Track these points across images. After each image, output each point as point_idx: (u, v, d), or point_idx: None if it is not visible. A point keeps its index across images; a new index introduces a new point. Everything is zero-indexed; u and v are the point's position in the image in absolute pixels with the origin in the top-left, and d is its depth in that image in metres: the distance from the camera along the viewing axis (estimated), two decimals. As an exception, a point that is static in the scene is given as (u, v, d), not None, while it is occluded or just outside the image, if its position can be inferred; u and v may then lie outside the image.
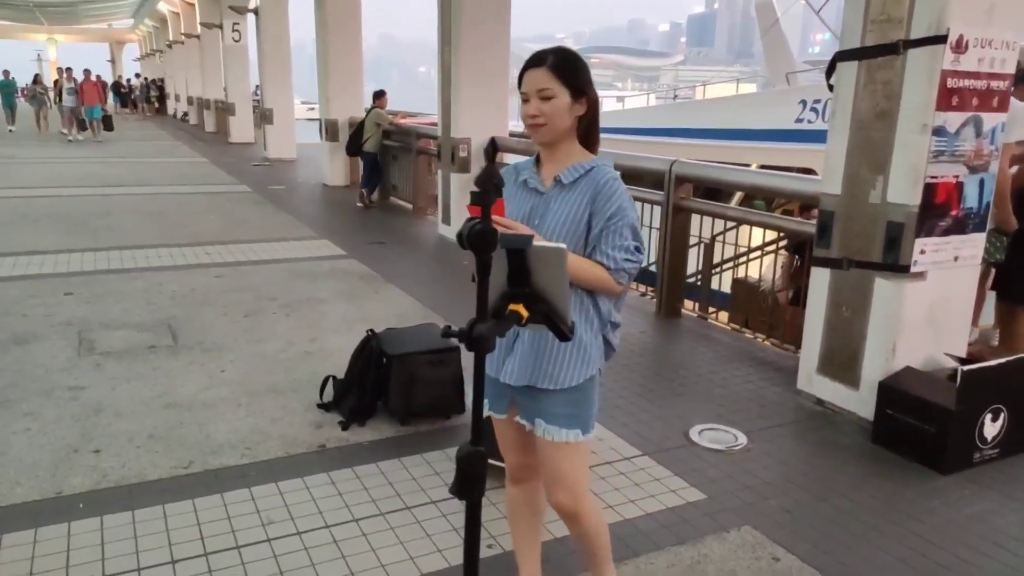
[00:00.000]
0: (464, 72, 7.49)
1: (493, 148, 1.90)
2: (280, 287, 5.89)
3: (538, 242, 1.34)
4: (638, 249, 1.85)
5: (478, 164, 7.81)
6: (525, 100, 1.87)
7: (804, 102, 11.15)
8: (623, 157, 7.28)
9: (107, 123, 20.57)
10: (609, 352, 2.01)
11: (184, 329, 4.84)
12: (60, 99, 21.32)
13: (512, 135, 8.24)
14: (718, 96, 18.51)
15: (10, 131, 20.95)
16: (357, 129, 10.28)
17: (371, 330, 3.79)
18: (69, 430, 3.41)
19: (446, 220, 8.06)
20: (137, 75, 40.67)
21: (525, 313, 1.33)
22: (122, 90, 34.97)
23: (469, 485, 1.29)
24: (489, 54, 7.58)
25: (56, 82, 24.28)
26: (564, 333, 1.40)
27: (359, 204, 10.02)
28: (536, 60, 1.88)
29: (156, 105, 33.05)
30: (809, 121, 10.79)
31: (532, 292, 1.34)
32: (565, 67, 1.85)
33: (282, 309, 5.32)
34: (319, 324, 5.02)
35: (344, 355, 3.85)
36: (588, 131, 1.94)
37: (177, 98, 31.37)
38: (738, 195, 8.09)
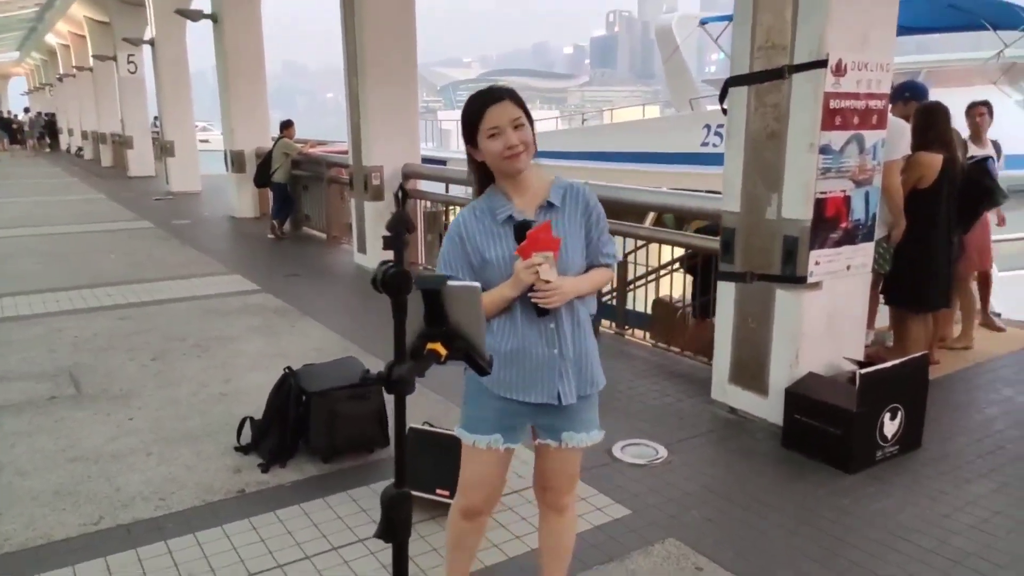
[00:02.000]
0: (373, 100, 7.48)
1: (403, 193, 1.91)
2: (190, 326, 5.69)
3: (452, 282, 1.37)
4: None
5: (391, 191, 7.80)
6: (495, 135, 1.90)
7: (708, 126, 11.69)
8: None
9: None
10: None
11: (87, 377, 4.61)
12: None
13: (425, 161, 8.26)
14: (626, 120, 19.12)
15: None
16: (265, 159, 10.08)
17: (288, 367, 3.71)
18: (-37, 494, 3.19)
19: (361, 249, 7.99)
20: (26, 109, 38.60)
21: (444, 351, 1.35)
22: (13, 126, 33.04)
23: (395, 528, 1.29)
24: (397, 80, 7.60)
25: None
26: (483, 368, 1.43)
27: (270, 236, 9.81)
28: (495, 95, 1.93)
29: (48, 140, 31.41)
30: (714, 145, 11.30)
31: (449, 330, 1.36)
32: (518, 98, 1.95)
33: (193, 349, 5.14)
34: (233, 363, 4.87)
35: (261, 394, 3.76)
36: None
37: (70, 132, 29.93)
38: (651, 215, 8.35)
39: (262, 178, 10.10)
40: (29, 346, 5.21)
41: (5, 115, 35.94)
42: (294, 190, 10.13)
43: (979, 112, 5.33)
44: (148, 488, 3.26)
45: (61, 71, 28.69)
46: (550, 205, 1.98)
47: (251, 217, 11.48)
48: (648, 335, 5.65)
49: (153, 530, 2.93)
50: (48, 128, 31.82)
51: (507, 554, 2.78)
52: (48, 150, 30.64)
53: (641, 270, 5.88)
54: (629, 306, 5.79)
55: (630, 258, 5.77)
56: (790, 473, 3.43)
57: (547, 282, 1.88)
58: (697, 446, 3.72)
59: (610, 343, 5.40)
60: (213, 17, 11.28)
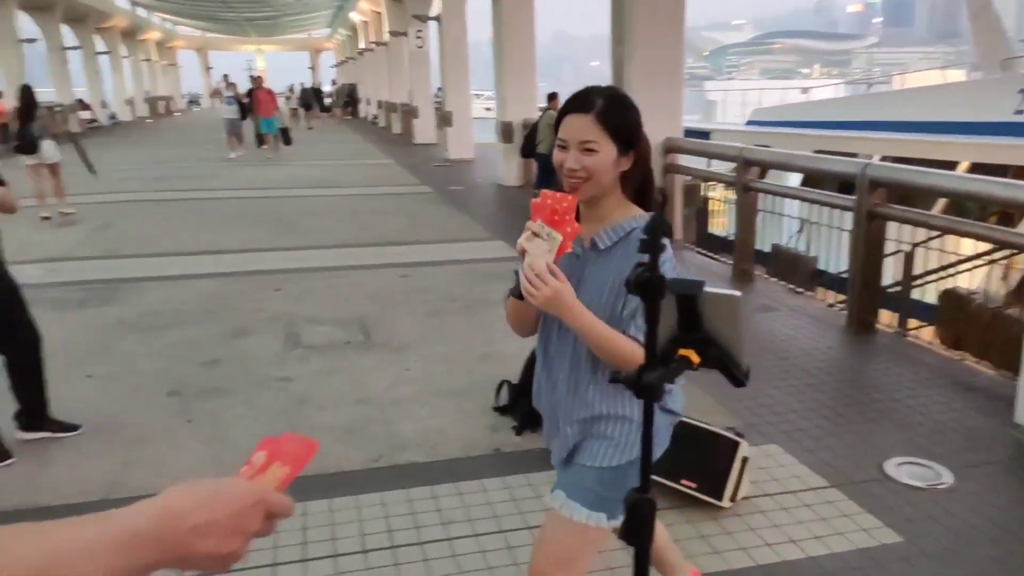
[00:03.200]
0: (636, 70, 7.40)
1: (663, 196, 1.78)
2: (459, 288, 6.15)
3: (709, 288, 1.31)
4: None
5: (653, 165, 7.70)
6: (562, 147, 1.63)
7: (1024, 92, 9.95)
8: (805, 158, 6.89)
9: (285, 136, 17.79)
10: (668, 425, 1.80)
11: (375, 327, 5.20)
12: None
13: (688, 133, 8.02)
14: (920, 85, 16.94)
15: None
16: (531, 131, 10.48)
17: (547, 338, 3.86)
18: (278, 420, 3.79)
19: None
20: (333, 81, 43.98)
21: (696, 358, 1.30)
22: (323, 97, 37.78)
23: (638, 533, 1.29)
24: (662, 48, 7.43)
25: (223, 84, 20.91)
26: (739, 379, 1.36)
27: (533, 204, 10.21)
28: (581, 103, 1.61)
29: (350, 109, 35.49)
30: (1032, 113, 9.61)
31: (704, 337, 1.30)
32: (614, 115, 1.60)
33: (462, 311, 5.56)
34: (495, 327, 5.18)
35: (519, 359, 3.95)
36: (642, 187, 1.71)
37: (368, 102, 33.57)
38: (940, 202, 7.38)
39: (528, 149, 10.52)
40: (330, 295, 6.00)
41: (317, 87, 41.17)
42: (558, 161, 10.42)
43: None
44: (420, 435, 3.62)
45: (362, 45, 32.20)
46: (596, 246, 1.66)
47: (516, 186, 12.07)
48: (934, 331, 5.03)
49: (422, 474, 3.25)
50: (350, 98, 35.88)
51: (755, 560, 2.67)
52: (349, 118, 34.66)
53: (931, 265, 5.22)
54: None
55: (919, 250, 5.15)
56: (1115, 524, 2.87)
57: (532, 267, 1.51)
58: (990, 474, 3.25)
59: (888, 344, 4.89)
60: (494, -9, 11.88)
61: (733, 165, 6.78)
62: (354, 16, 32.32)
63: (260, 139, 17.18)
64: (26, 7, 24.50)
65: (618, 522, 1.58)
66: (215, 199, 11.11)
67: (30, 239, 7.85)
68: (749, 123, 17.19)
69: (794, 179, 8.50)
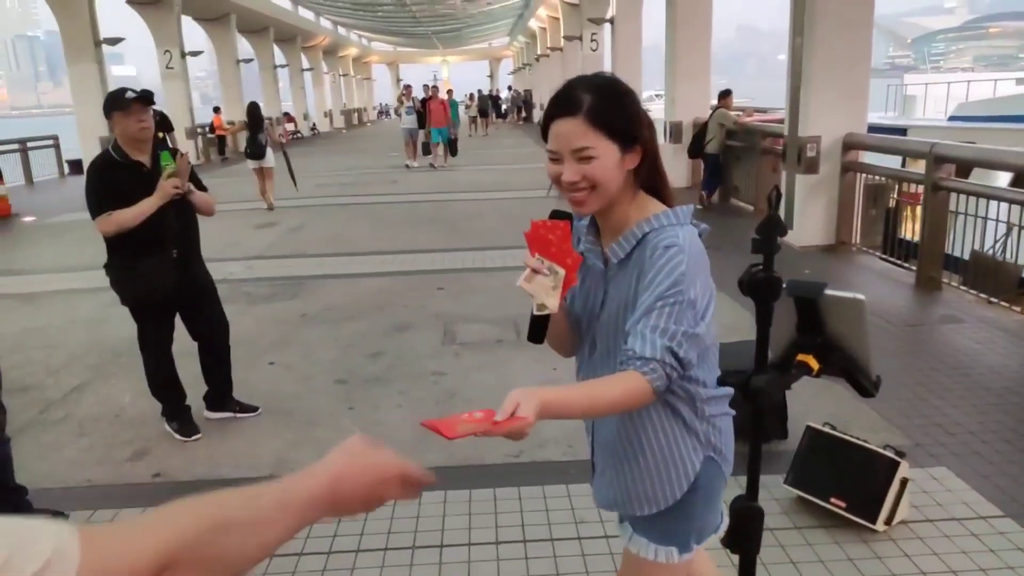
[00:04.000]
0: (817, 61, 7.00)
1: (777, 194, 1.60)
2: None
3: (831, 291, 1.23)
4: (691, 338, 1.30)
5: (828, 163, 7.25)
6: (554, 160, 1.41)
7: None
8: (1008, 154, 6.16)
9: (453, 148, 17.56)
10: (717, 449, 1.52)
11: (525, 326, 5.31)
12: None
13: (879, 130, 7.43)
14: None
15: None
16: (700, 130, 10.21)
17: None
18: (430, 411, 4.00)
19: (789, 224, 7.61)
20: (509, 87, 45.29)
21: (816, 365, 1.24)
22: (499, 103, 38.97)
23: (742, 540, 1.25)
24: (847, 37, 6.95)
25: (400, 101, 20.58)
26: (867, 388, 1.27)
27: (699, 206, 9.95)
28: (566, 105, 1.37)
29: (524, 115, 36.39)
30: None
31: (826, 341, 1.23)
32: (607, 111, 1.35)
33: (614, 313, 5.54)
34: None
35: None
36: (650, 179, 1.46)
37: (542, 107, 34.23)
38: None
39: (696, 148, 10.27)
40: (486, 295, 6.22)
41: (494, 94, 42.58)
42: (726, 161, 10.08)
43: None
44: (560, 433, 3.66)
45: (539, 52, 32.90)
46: (607, 261, 1.47)
47: (683, 187, 11.79)
48: None
49: (559, 472, 3.30)
50: (524, 103, 36.76)
51: (908, 589, 2.46)
52: (523, 123, 35.52)
53: None
54: None
55: None
56: None
57: (542, 305, 1.35)
58: None
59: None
60: (667, -9, 11.69)
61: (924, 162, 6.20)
62: (533, 24, 33.11)
63: (426, 148, 17.07)
64: (243, 30, 27.51)
65: (691, 554, 1.51)
66: (392, 203, 11.86)
67: (233, 238, 8.83)
68: (952, 118, 15.61)
69: (1003, 179, 7.62)
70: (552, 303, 1.35)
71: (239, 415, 4.01)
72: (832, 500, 2.82)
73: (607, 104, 1.35)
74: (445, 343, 5.08)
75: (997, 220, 5.76)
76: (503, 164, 17.36)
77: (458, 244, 8.29)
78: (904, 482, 2.75)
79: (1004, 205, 5.71)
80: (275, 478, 0.82)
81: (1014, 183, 7.25)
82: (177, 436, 3.79)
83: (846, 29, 6.96)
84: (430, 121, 16.69)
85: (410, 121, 17.08)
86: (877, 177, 7.21)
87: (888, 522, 2.73)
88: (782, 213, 7.80)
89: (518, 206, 11.01)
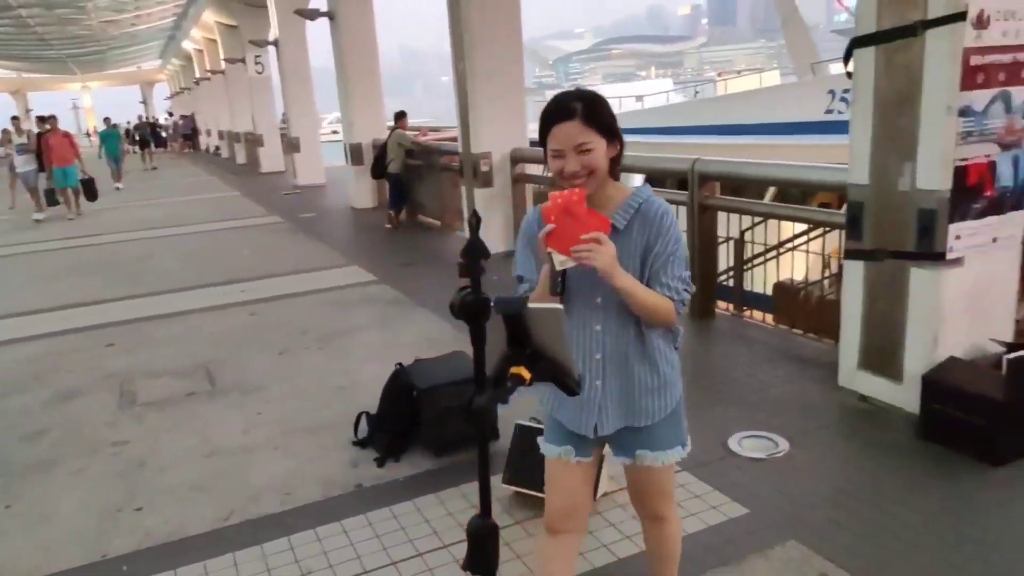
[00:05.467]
0: (479, 84, 7.49)
1: (477, 219, 1.75)
2: (312, 320, 5.94)
3: (532, 304, 1.31)
4: (692, 279, 1.85)
5: (500, 176, 7.81)
6: (558, 156, 1.76)
7: (833, 92, 10.88)
8: (643, 159, 7.18)
9: (88, 190, 13.54)
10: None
11: (221, 372, 4.91)
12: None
13: (533, 144, 8.15)
14: (742, 90, 18.26)
15: (117, 189, 17.60)
16: (380, 151, 10.35)
17: (399, 363, 3.79)
18: (114, 488, 3.48)
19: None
20: (169, 113, 41.72)
21: (528, 375, 1.30)
22: (157, 130, 35.70)
23: (482, 561, 1.27)
24: (503, 61, 7.56)
25: (4, 132, 15.90)
26: (571, 388, 1.37)
27: (387, 225, 10.09)
28: (564, 111, 1.76)
29: (190, 143, 33.76)
30: (840, 112, 10.50)
31: (533, 352, 1.30)
32: (596, 113, 1.76)
33: (315, 343, 5.36)
34: (352, 355, 5.04)
35: (378, 386, 3.85)
36: (613, 163, 1.85)
37: (208, 133, 32.08)
38: (771, 190, 7.92)
39: (378, 170, 10.38)
40: (169, 344, 5.62)
41: (151, 120, 38.89)
42: (408, 180, 10.35)
43: None
44: (275, 481, 3.43)
45: (197, 75, 30.73)
46: (615, 229, 1.78)
47: (370, 208, 11.87)
48: (770, 318, 5.37)
49: (278, 525, 3.07)
50: (194, 131, 34.07)
51: (616, 555, 2.71)
52: (189, 151, 32.94)
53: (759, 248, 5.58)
54: (747, 287, 5.50)
55: (747, 236, 5.48)
56: (927, 469, 3.14)
57: (558, 265, 1.65)
58: (822, 438, 3.49)
59: (727, 326, 5.17)
60: (329, 15, 11.65)
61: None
62: (188, 45, 30.83)
63: (51, 195, 13.27)
64: None
65: (689, 447, 1.99)
66: (40, 252, 10.19)
67: None
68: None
69: (636, 180, 8.86)
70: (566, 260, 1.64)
71: None
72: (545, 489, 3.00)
73: (594, 108, 1.76)
74: (122, 406, 4.47)
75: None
76: (173, 196, 15.92)
77: (128, 291, 7.37)
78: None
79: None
80: None
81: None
82: None
83: (501, 54, 7.56)
84: (50, 159, 12.96)
85: (24, 162, 13.36)
86: (541, 186, 7.94)
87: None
88: (466, 226, 8.23)
89: (194, 241, 10.16)
